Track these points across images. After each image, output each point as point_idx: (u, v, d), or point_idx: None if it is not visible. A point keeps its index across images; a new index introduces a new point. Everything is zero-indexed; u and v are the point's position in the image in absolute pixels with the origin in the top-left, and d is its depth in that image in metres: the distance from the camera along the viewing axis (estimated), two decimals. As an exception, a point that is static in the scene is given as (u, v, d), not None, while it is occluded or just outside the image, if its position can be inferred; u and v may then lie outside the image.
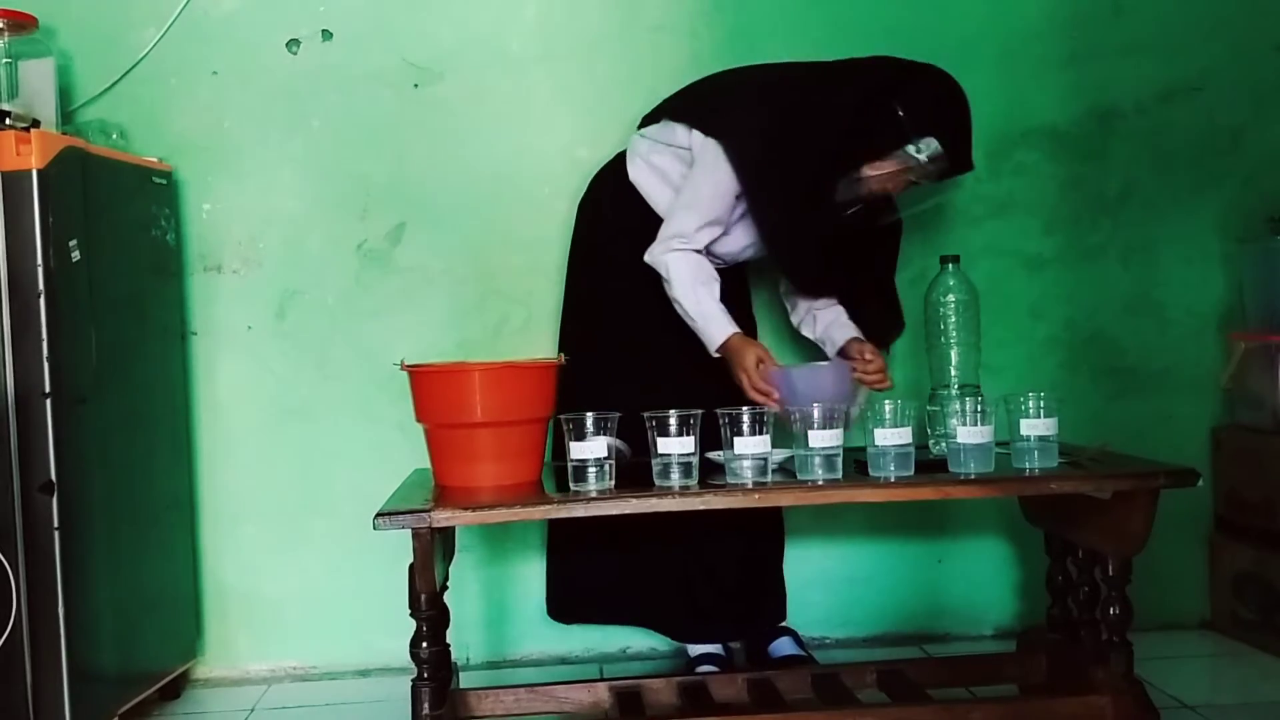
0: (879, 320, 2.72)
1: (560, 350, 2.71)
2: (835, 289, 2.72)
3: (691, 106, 2.72)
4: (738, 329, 2.55)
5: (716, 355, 2.55)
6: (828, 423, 2.20)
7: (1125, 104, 3.14)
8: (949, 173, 2.51)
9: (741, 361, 2.49)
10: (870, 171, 2.50)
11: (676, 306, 2.59)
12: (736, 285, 2.82)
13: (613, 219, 2.78)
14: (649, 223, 2.68)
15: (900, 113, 2.43)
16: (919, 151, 2.45)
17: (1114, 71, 3.14)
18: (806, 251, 2.62)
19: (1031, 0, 3.12)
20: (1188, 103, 3.15)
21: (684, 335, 2.61)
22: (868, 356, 2.56)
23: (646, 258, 2.62)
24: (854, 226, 2.58)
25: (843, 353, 2.65)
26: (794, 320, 2.83)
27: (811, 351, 2.88)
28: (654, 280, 2.63)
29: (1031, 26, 3.12)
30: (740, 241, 2.68)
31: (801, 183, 2.53)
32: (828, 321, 2.73)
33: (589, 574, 2.79)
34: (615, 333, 2.74)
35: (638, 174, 2.74)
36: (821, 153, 2.51)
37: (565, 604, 2.85)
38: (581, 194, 2.91)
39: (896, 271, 2.82)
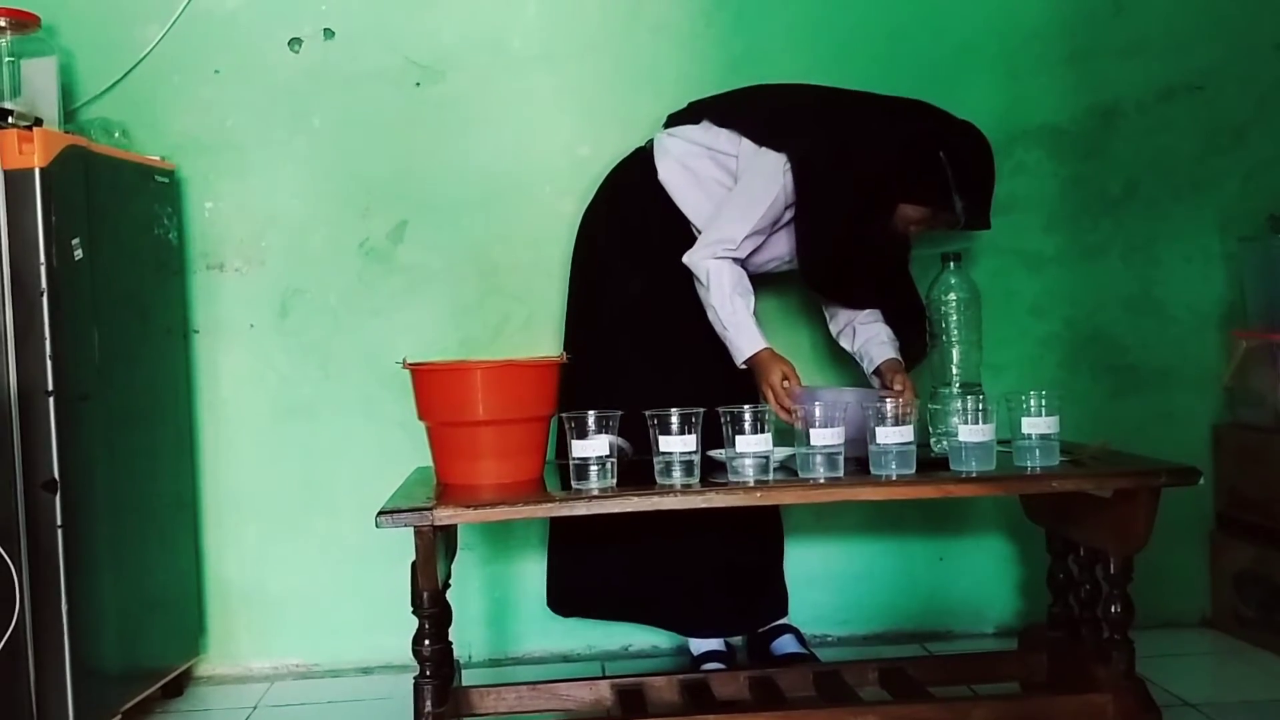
0: (909, 330, 2.72)
1: (567, 348, 2.71)
2: (860, 301, 2.74)
3: (743, 116, 2.73)
4: (768, 344, 2.56)
5: (743, 366, 2.57)
6: (829, 421, 2.20)
7: (1126, 102, 3.15)
8: (970, 226, 2.60)
9: (768, 377, 2.50)
10: (902, 213, 2.57)
11: (710, 312, 2.60)
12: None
13: (634, 216, 2.78)
14: (671, 222, 2.71)
15: (945, 162, 2.51)
16: (955, 203, 2.53)
17: (1115, 70, 3.14)
18: (838, 268, 2.66)
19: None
20: (1189, 101, 3.15)
21: (703, 332, 2.62)
22: (897, 387, 2.55)
23: (686, 259, 2.62)
24: (875, 255, 2.64)
25: (878, 372, 2.66)
26: (833, 330, 2.84)
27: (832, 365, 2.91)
28: (674, 278, 2.64)
29: (1032, 25, 3.12)
30: (768, 254, 2.69)
31: (847, 206, 2.57)
32: (867, 337, 2.73)
33: (590, 568, 2.79)
34: (632, 330, 2.74)
35: (668, 174, 2.74)
36: (869, 183, 2.55)
37: (565, 596, 2.85)
38: (588, 191, 2.91)
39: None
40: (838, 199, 2.58)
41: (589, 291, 2.84)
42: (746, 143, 2.67)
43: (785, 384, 2.48)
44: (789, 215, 2.64)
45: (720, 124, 2.74)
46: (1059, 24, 3.13)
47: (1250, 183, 3.16)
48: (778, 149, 2.61)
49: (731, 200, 2.64)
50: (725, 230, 2.60)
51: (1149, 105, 3.15)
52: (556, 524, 2.85)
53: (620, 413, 2.23)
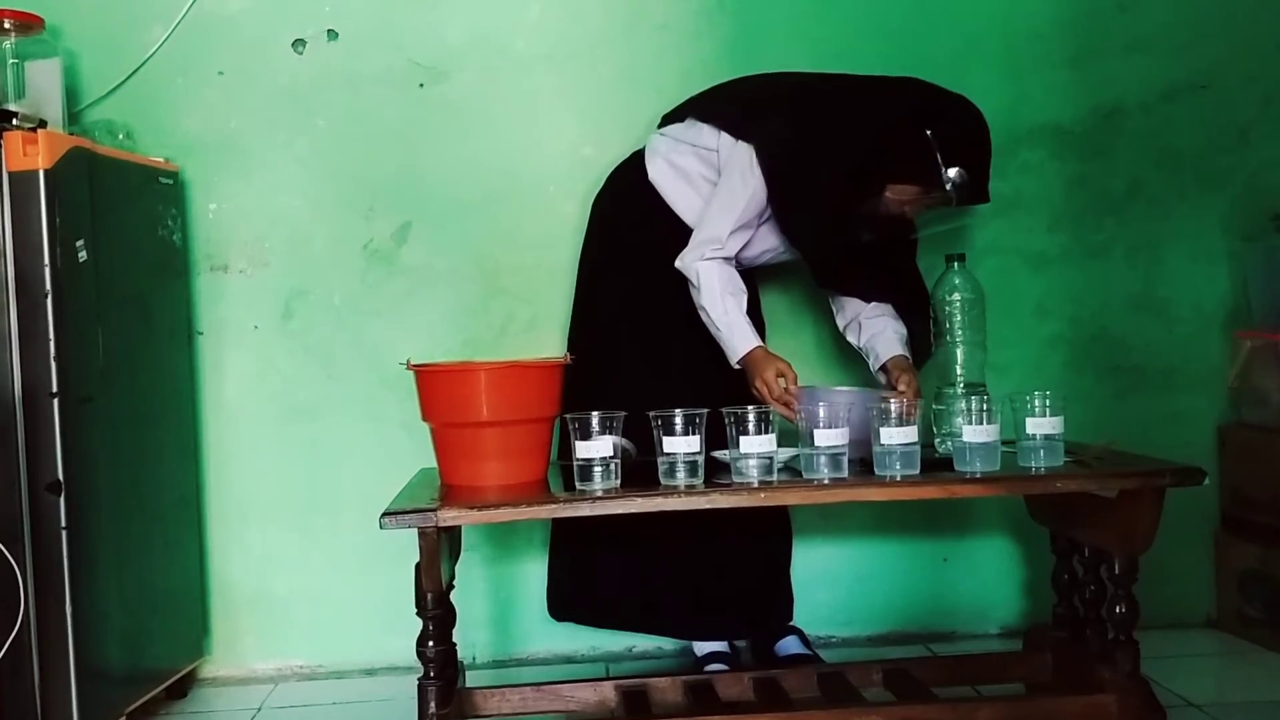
0: (915, 323, 2.69)
1: (570, 349, 2.72)
2: (862, 290, 2.72)
3: (721, 109, 2.72)
4: (761, 343, 2.56)
5: (737, 366, 2.55)
6: (833, 422, 2.20)
7: (1130, 102, 3.14)
8: (966, 201, 2.53)
9: (762, 373, 2.48)
10: (892, 194, 2.52)
11: (702, 314, 2.59)
12: (749, 290, 2.81)
13: (628, 217, 2.78)
14: (664, 222, 2.70)
15: (932, 139, 2.46)
16: (945, 180, 2.47)
17: (1119, 69, 3.13)
18: (829, 254, 2.64)
19: (1037, -2, 3.12)
20: (1193, 101, 3.15)
21: (698, 333, 2.62)
22: (901, 386, 2.53)
23: (678, 264, 2.61)
24: (870, 240, 2.60)
25: (884, 369, 2.64)
26: (840, 324, 2.81)
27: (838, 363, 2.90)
28: (668, 278, 2.63)
29: (1036, 25, 3.12)
30: (759, 246, 2.68)
31: (826, 194, 2.54)
32: (873, 333, 2.70)
33: (592, 574, 2.79)
34: (628, 331, 2.74)
35: (657, 174, 2.74)
36: (848, 167, 2.52)
37: (565, 602, 2.85)
38: (592, 192, 2.92)
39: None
40: (811, 185, 2.54)
41: (589, 292, 2.84)
42: (725, 136, 2.65)
43: (780, 380, 2.46)
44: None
45: (702, 119, 2.73)
46: (1063, 23, 3.13)
47: (1255, 182, 3.16)
48: (749, 140, 2.59)
49: (715, 197, 2.63)
50: (711, 230, 2.59)
51: (1153, 104, 3.14)
52: (559, 529, 2.84)
53: (624, 414, 2.23)
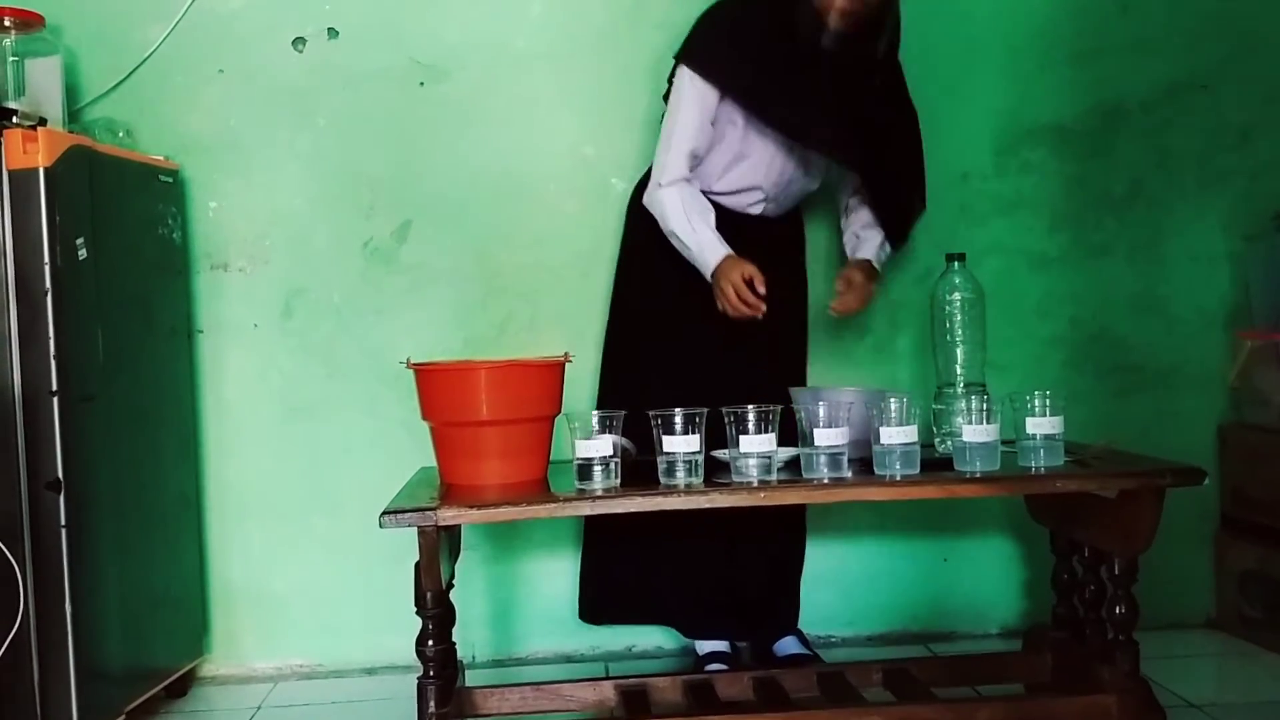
0: (895, 199, 2.74)
1: (605, 351, 2.82)
2: (833, 145, 2.68)
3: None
4: (730, 251, 2.57)
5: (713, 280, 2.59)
6: (832, 421, 2.20)
7: (1132, 101, 3.14)
8: None
9: (728, 275, 2.52)
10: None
11: (674, 241, 2.63)
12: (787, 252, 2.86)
13: (639, 217, 2.79)
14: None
15: None
16: None
17: (1121, 69, 3.13)
18: (799, 103, 2.61)
19: (1038, -3, 3.12)
20: (1194, 100, 3.15)
21: (712, 329, 2.64)
22: (840, 289, 2.65)
23: (644, 203, 2.68)
24: (832, 59, 2.57)
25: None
26: (845, 242, 2.87)
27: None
28: (675, 272, 2.66)
29: (1038, 24, 3.12)
30: (742, 181, 2.70)
31: (764, 39, 2.58)
32: (858, 242, 2.79)
33: (618, 574, 2.80)
34: (637, 328, 2.80)
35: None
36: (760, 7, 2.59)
37: (596, 605, 2.86)
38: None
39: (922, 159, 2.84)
40: (746, 46, 2.59)
41: (613, 289, 2.90)
42: (677, 72, 2.70)
43: (748, 281, 2.51)
44: (731, 133, 2.66)
45: (670, 77, 2.76)
46: (1064, 22, 3.13)
47: (1256, 182, 3.16)
48: (679, 60, 2.66)
49: (662, 129, 2.69)
50: (659, 159, 2.65)
51: (1154, 104, 3.14)
52: (590, 530, 2.86)
53: (624, 412, 2.23)
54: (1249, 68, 3.15)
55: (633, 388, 2.67)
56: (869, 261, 2.73)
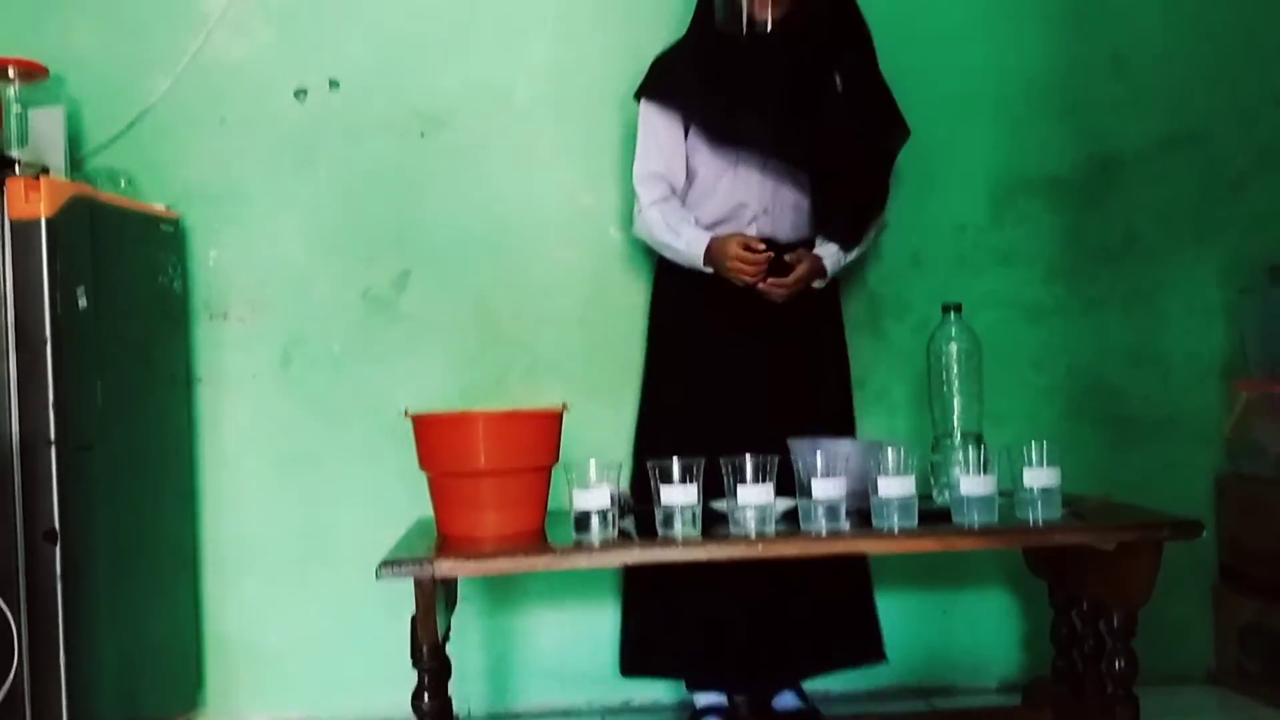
0: (845, 199, 2.75)
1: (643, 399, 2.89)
2: (784, 145, 2.71)
3: None
4: (713, 235, 2.67)
5: (709, 270, 2.67)
6: (830, 472, 2.19)
7: (1126, 153, 3.16)
8: None
9: (726, 252, 2.61)
10: None
11: (666, 253, 2.76)
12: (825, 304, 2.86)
13: (664, 269, 2.87)
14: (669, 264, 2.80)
15: None
16: None
17: (1113, 122, 3.16)
18: (737, 106, 2.69)
19: (1032, 50, 3.15)
20: (1188, 153, 3.17)
21: (727, 366, 2.71)
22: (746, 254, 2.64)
23: (634, 232, 2.83)
24: (779, 62, 2.66)
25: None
26: None
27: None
28: (680, 311, 2.77)
29: (1031, 78, 3.15)
30: (734, 198, 2.74)
31: (705, 54, 2.71)
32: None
33: (661, 628, 2.77)
34: (651, 372, 2.89)
35: None
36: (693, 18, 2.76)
37: (637, 660, 2.85)
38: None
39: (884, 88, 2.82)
40: (683, 57, 2.75)
41: (647, 342, 2.96)
42: None
43: (745, 249, 2.59)
44: (698, 158, 2.74)
45: None
46: (1057, 76, 3.16)
47: (1249, 234, 3.17)
48: (638, 96, 2.79)
49: None
50: (635, 191, 2.77)
51: (1148, 156, 3.17)
52: (629, 582, 2.84)
53: (620, 462, 2.23)
54: (1241, 121, 3.18)
55: (668, 440, 2.68)
56: (820, 261, 2.72)
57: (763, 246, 2.61)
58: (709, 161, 2.74)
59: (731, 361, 2.72)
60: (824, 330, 2.84)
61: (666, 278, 2.85)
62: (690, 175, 2.77)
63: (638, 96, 2.78)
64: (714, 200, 2.75)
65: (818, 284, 2.72)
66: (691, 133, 2.75)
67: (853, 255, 2.78)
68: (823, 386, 2.82)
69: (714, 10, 2.67)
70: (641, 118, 2.78)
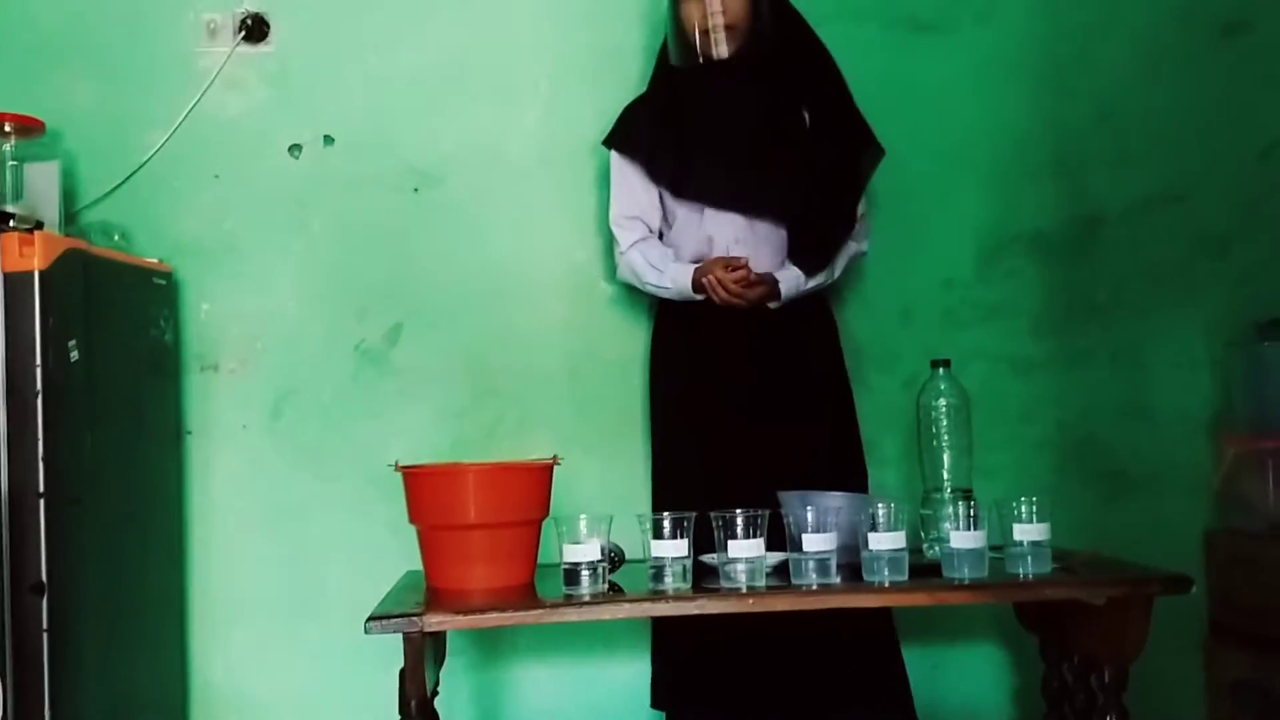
0: (809, 230, 2.78)
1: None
2: (724, 192, 2.77)
3: None
4: (694, 264, 2.73)
5: (700, 297, 2.71)
6: (820, 526, 2.20)
7: (1112, 211, 3.20)
8: None
9: (712, 273, 2.66)
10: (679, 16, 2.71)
11: (655, 292, 2.81)
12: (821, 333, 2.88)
13: (664, 316, 2.91)
14: (665, 308, 2.84)
15: None
16: None
17: (1100, 179, 3.19)
18: (686, 153, 2.76)
19: (1020, 109, 3.19)
20: (1174, 209, 3.20)
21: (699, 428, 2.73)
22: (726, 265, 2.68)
23: (618, 277, 2.90)
24: (718, 70, 2.71)
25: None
26: None
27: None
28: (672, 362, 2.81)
29: (1019, 135, 3.18)
30: (714, 230, 2.77)
31: (657, 95, 2.83)
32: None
33: (692, 663, 2.74)
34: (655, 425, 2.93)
35: None
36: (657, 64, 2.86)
37: (669, 694, 2.81)
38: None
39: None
40: (647, 100, 2.86)
41: (650, 393, 3.00)
42: None
43: (726, 270, 2.64)
44: (673, 203, 2.81)
45: None
46: (1044, 134, 3.19)
47: (1236, 290, 3.19)
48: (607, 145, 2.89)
49: None
50: (614, 238, 2.85)
51: (1134, 213, 3.20)
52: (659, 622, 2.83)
53: (611, 515, 2.23)
54: (1227, 178, 3.21)
55: (679, 490, 2.71)
56: (777, 283, 2.72)
57: (744, 261, 2.65)
58: (681, 204, 2.80)
59: (740, 412, 2.72)
60: (829, 375, 2.85)
61: (665, 323, 2.87)
62: (669, 216, 2.83)
63: (606, 144, 2.87)
64: (693, 238, 2.79)
65: (772, 305, 2.73)
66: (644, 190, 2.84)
67: (818, 280, 2.78)
68: (833, 432, 2.82)
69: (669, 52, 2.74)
70: (613, 164, 2.87)
